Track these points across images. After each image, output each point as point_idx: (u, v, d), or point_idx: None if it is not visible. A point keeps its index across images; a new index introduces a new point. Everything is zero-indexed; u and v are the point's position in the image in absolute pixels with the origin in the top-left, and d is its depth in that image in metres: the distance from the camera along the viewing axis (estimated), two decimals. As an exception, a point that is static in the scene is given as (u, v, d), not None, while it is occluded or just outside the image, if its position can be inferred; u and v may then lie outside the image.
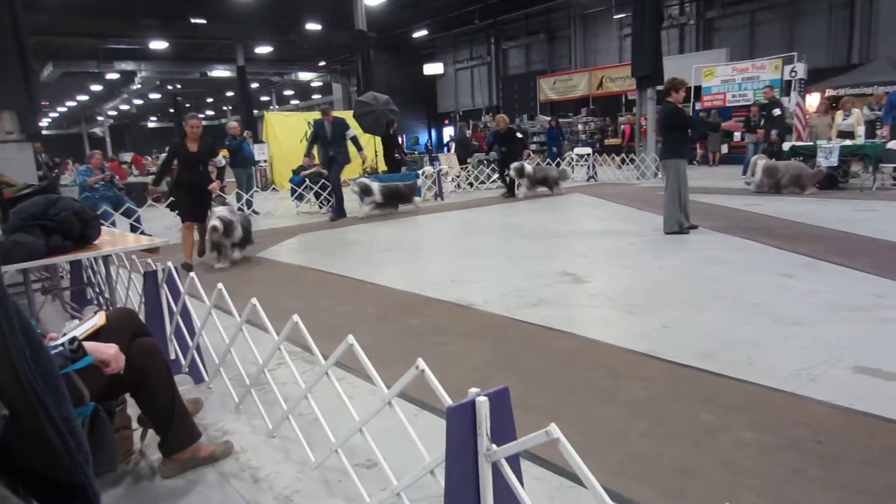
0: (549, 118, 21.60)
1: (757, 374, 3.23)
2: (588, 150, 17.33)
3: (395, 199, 11.33)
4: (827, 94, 17.00)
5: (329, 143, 10.65)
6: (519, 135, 13.99)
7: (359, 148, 11.05)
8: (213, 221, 6.83)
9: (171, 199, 8.89)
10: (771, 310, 4.33)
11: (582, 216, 10.12)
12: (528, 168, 12.81)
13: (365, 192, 10.97)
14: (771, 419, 2.74)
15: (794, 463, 2.38)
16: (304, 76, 38.99)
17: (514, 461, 1.58)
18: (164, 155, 8.69)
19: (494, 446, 1.50)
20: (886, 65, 17.07)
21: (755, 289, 4.91)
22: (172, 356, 3.51)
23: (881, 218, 7.86)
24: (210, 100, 49.59)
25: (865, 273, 5.18)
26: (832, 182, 11.07)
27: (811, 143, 11.57)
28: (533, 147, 20.17)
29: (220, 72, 33.25)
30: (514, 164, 12.66)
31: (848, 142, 11.11)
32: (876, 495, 2.16)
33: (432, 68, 33.95)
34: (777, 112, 13.38)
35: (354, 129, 15.73)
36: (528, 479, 2.18)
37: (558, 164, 16.36)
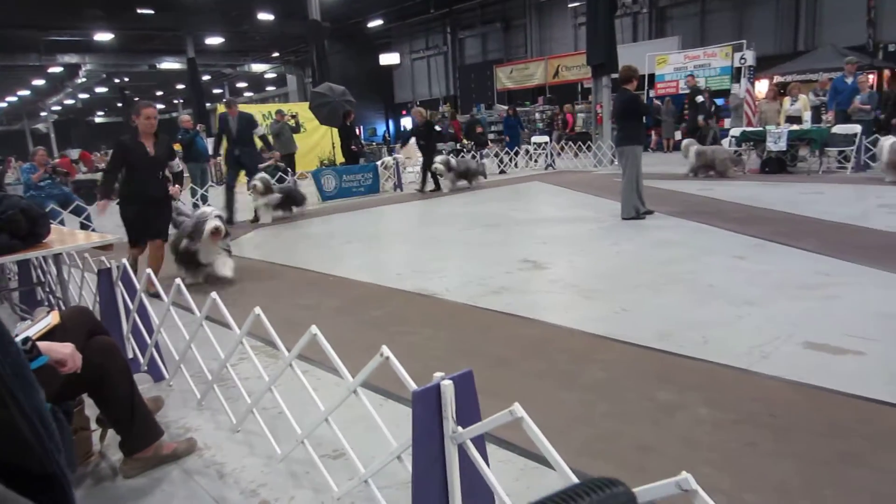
0: (506, 107, 21.71)
1: (712, 353, 3.33)
2: (546, 138, 17.49)
3: (290, 202, 10.22)
4: (775, 81, 17.52)
5: (235, 141, 9.30)
6: (437, 128, 13.96)
7: (269, 146, 10.24)
8: (214, 222, 5.43)
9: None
10: (724, 291, 4.46)
11: (541, 204, 10.22)
12: (453, 162, 12.66)
13: (267, 190, 9.67)
14: (726, 395, 2.84)
15: (749, 436, 2.47)
16: (257, 68, 38.24)
17: (479, 443, 1.60)
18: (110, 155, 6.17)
19: (460, 428, 1.52)
20: (830, 52, 17.65)
21: (709, 271, 5.06)
22: (130, 355, 3.43)
23: (827, 200, 8.16)
24: (160, 93, 48.18)
25: (812, 253, 5.38)
26: (781, 166, 11.44)
27: (761, 129, 11.93)
28: (491, 136, 20.22)
29: (170, 64, 32.35)
30: (440, 158, 12.49)
31: (795, 127, 11.49)
32: (825, 464, 2.26)
33: (388, 58, 33.72)
34: (700, 99, 13.96)
35: (307, 122, 15.37)
36: (494, 461, 2.22)
37: (516, 154, 16.48)
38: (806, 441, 2.43)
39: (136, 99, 4.98)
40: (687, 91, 16.36)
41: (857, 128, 10.93)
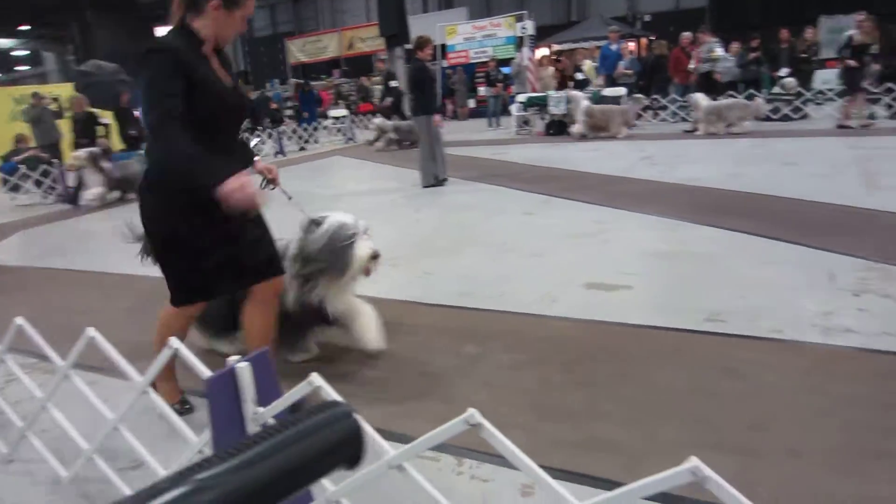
0: (300, 81, 21.11)
1: (509, 304, 3.60)
2: (344, 111, 17.33)
3: None
4: (553, 49, 19.04)
5: None
6: (104, 121, 10.69)
7: None
8: (369, 243, 3.01)
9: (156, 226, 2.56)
10: (516, 246, 4.82)
11: (344, 178, 10.18)
12: (108, 164, 9.14)
13: None
14: (522, 340, 3.08)
15: (542, 373, 2.72)
16: (2, 43, 33.02)
17: (283, 423, 1.57)
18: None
19: (261, 409, 1.48)
20: (598, 22, 19.58)
21: (503, 229, 5.42)
22: None
23: (601, 157, 9.12)
24: None
25: (591, 204, 5.99)
26: (562, 128, 12.49)
27: (544, 94, 12.91)
28: (288, 113, 19.54)
29: None
30: (82, 153, 8.96)
31: (572, 91, 12.58)
32: (601, 386, 2.58)
33: (165, 32, 30.92)
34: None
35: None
36: (308, 439, 2.19)
37: (315, 129, 16.13)
38: (587, 369, 2.73)
39: None
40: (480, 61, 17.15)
41: (623, 90, 12.27)
